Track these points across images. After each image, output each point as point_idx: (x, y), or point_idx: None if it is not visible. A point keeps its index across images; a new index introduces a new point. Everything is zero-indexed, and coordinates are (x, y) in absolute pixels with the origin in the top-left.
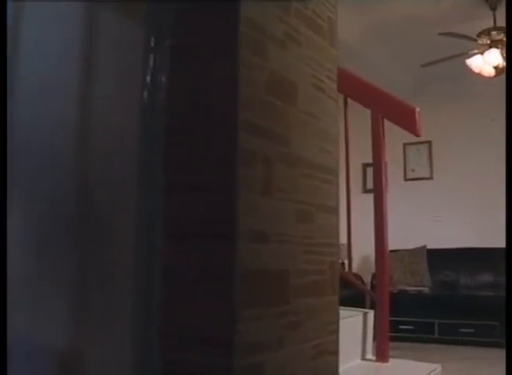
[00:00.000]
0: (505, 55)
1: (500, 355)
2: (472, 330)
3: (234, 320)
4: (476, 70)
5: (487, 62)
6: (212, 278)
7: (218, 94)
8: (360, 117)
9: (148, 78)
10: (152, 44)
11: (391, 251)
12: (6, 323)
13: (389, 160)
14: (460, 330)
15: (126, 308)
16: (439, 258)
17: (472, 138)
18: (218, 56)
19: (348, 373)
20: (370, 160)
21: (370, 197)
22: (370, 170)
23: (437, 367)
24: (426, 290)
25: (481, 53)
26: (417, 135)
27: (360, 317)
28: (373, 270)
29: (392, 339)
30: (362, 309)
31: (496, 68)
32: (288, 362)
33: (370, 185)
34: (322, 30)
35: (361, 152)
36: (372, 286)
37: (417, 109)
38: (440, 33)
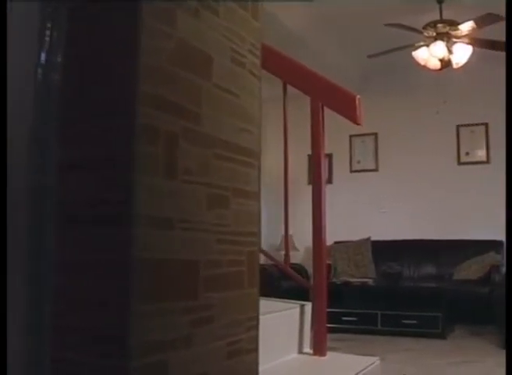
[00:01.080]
0: (451, 48)
1: (441, 345)
2: (415, 322)
3: (130, 316)
4: (422, 62)
5: (433, 54)
6: (106, 268)
7: (117, 64)
8: (307, 106)
9: (44, 51)
10: (48, 15)
11: (336, 242)
12: (6, 323)
13: (335, 152)
14: (403, 321)
15: (15, 299)
16: (383, 250)
17: (417, 130)
18: (118, 23)
19: (283, 367)
20: None
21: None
22: None
23: (375, 360)
24: (370, 281)
25: (427, 45)
26: (358, 123)
27: (297, 309)
28: None
29: (336, 331)
30: (299, 301)
31: (441, 61)
32: (198, 362)
33: None
34: (244, 1)
35: (308, 143)
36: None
37: (358, 97)
38: (387, 25)
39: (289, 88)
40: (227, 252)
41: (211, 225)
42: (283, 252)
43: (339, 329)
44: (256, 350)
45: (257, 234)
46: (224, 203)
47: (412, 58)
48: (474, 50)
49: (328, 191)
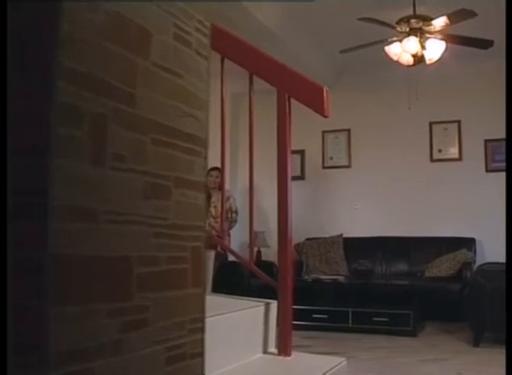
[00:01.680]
0: (424, 44)
1: (412, 343)
2: (386, 319)
3: (48, 321)
4: (394, 58)
5: (405, 49)
6: (21, 267)
7: (36, 35)
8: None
9: None
10: None
11: (308, 239)
12: (6, 323)
13: (308, 148)
14: (374, 318)
15: None
16: (355, 247)
17: (390, 127)
18: None
19: (245, 368)
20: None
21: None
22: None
23: (342, 361)
24: (341, 279)
25: (400, 41)
26: (325, 116)
27: (262, 308)
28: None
29: (307, 328)
30: (265, 300)
31: (414, 56)
32: (130, 369)
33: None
34: None
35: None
36: None
37: (326, 88)
38: (359, 19)
39: (264, 84)
40: (167, 248)
41: (147, 217)
42: (255, 249)
43: (309, 326)
44: (201, 354)
45: (203, 228)
46: (164, 193)
47: (385, 53)
48: (447, 46)
49: (300, 188)
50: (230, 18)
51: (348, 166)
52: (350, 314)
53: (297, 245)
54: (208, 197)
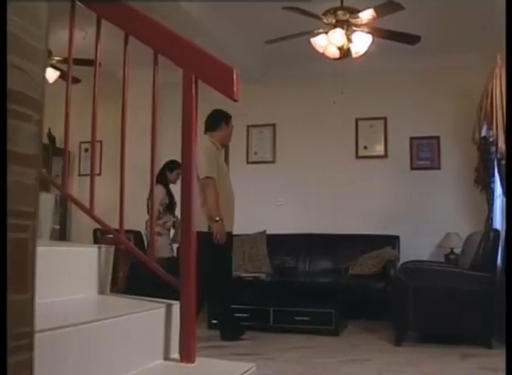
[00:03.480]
0: (350, 37)
1: (334, 343)
2: (308, 318)
3: None
4: (320, 50)
5: (331, 41)
6: None
7: None
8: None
9: None
10: None
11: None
12: (6, 322)
13: (232, 142)
14: (296, 317)
15: None
16: (278, 244)
17: (316, 123)
18: None
19: None
20: None
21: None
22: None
23: (251, 367)
24: (263, 276)
25: (326, 33)
26: (234, 99)
27: (163, 310)
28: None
29: None
30: (167, 300)
31: (340, 49)
32: None
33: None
34: None
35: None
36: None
37: (236, 70)
38: (284, 8)
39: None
40: None
41: None
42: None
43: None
44: None
45: (35, 216)
46: None
47: (311, 46)
48: (374, 40)
49: None
50: (155, 7)
51: (273, 162)
52: (272, 313)
53: None
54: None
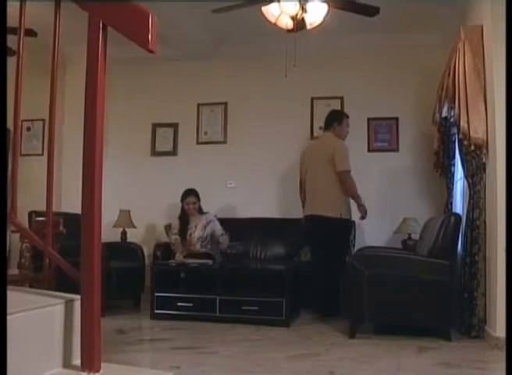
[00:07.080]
0: (304, 6)
1: (284, 335)
2: (257, 308)
3: None
4: (272, 20)
5: (284, 11)
6: None
7: None
8: (156, 71)
9: None
10: None
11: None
12: (6, 322)
13: (181, 121)
14: (243, 307)
15: None
16: (229, 229)
17: (269, 101)
18: None
19: None
20: (161, 120)
21: (160, 160)
22: (161, 131)
23: None
24: (210, 263)
25: (279, 1)
26: (150, 50)
27: (61, 306)
28: (158, 241)
29: (171, 318)
30: (67, 295)
31: (294, 19)
32: None
33: (160, 147)
34: None
35: (151, 111)
36: (155, 258)
37: (152, 15)
38: None
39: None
40: None
41: None
42: (121, 230)
43: (173, 316)
44: None
45: None
46: None
47: (262, 21)
48: (331, 17)
49: (172, 164)
50: None
51: (224, 142)
52: (218, 302)
53: (167, 226)
54: (185, 223)
